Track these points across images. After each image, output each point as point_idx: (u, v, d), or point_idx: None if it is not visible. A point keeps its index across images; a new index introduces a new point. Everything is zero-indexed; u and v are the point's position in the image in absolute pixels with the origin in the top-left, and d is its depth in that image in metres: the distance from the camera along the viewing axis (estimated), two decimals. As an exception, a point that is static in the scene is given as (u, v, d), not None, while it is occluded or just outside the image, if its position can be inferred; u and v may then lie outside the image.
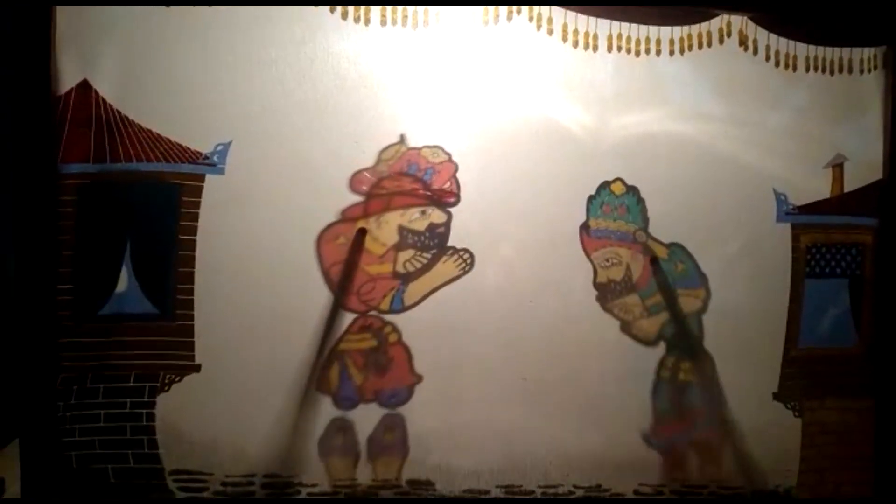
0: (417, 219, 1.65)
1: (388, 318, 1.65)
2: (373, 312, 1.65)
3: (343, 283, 1.62)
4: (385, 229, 1.64)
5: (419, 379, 1.66)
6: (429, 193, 1.65)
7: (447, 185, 1.65)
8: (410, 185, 1.64)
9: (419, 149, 1.64)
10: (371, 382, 1.65)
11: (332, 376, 1.64)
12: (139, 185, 1.57)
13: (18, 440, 1.54)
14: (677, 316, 1.74)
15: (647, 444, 1.73)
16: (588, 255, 1.71)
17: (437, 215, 1.65)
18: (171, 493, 1.59)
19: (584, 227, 1.71)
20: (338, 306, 1.62)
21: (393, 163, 1.63)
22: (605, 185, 1.71)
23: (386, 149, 1.63)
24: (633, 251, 1.73)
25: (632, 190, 1.71)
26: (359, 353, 1.65)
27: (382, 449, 1.65)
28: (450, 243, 1.66)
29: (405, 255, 1.65)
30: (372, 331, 1.65)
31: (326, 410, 1.64)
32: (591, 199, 1.70)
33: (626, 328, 1.73)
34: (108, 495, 1.56)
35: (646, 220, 1.73)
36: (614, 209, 1.71)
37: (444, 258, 1.66)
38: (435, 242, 1.65)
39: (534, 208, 1.68)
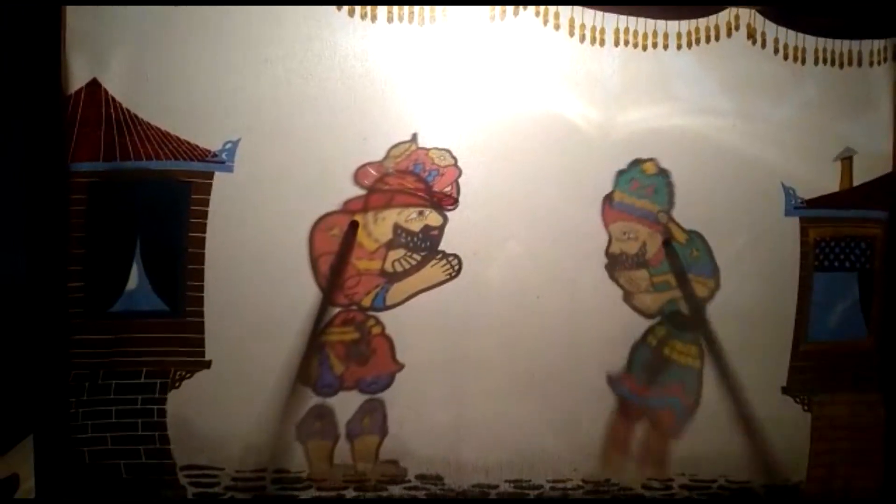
0: (414, 219, 1.65)
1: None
2: (353, 307, 1.65)
3: (330, 275, 1.62)
4: (381, 226, 1.64)
5: (400, 367, 1.67)
6: (429, 195, 1.65)
7: (448, 189, 1.65)
8: (413, 184, 1.64)
9: (428, 150, 1.64)
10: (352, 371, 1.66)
11: (313, 367, 1.64)
12: (149, 183, 1.58)
13: (32, 436, 1.56)
14: (682, 297, 1.74)
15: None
16: (606, 225, 1.71)
17: (433, 218, 1.65)
18: (183, 488, 1.60)
19: (608, 198, 1.70)
20: (325, 299, 1.62)
21: (401, 160, 1.63)
22: (637, 163, 1.70)
23: (396, 146, 1.63)
24: (652, 230, 1.73)
25: (663, 173, 1.71)
26: (341, 344, 1.65)
27: (361, 432, 1.66)
28: (441, 247, 1.66)
29: (395, 254, 1.65)
30: (354, 324, 1.65)
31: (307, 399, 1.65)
32: (620, 172, 1.70)
33: (627, 298, 1.73)
34: (121, 490, 1.58)
35: (671, 204, 1.73)
36: (643, 187, 1.71)
37: (433, 262, 1.66)
38: (427, 245, 1.66)
39: (540, 204, 1.68)
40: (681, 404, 1.76)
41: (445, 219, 1.66)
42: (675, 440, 1.75)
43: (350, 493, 1.66)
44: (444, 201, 1.66)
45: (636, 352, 1.73)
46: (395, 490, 1.67)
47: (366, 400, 1.66)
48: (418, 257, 1.66)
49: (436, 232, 1.66)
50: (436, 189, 1.65)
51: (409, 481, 1.67)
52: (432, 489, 1.67)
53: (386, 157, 1.63)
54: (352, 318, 1.66)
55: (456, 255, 1.66)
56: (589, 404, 1.72)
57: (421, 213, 1.65)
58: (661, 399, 1.75)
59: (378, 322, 1.66)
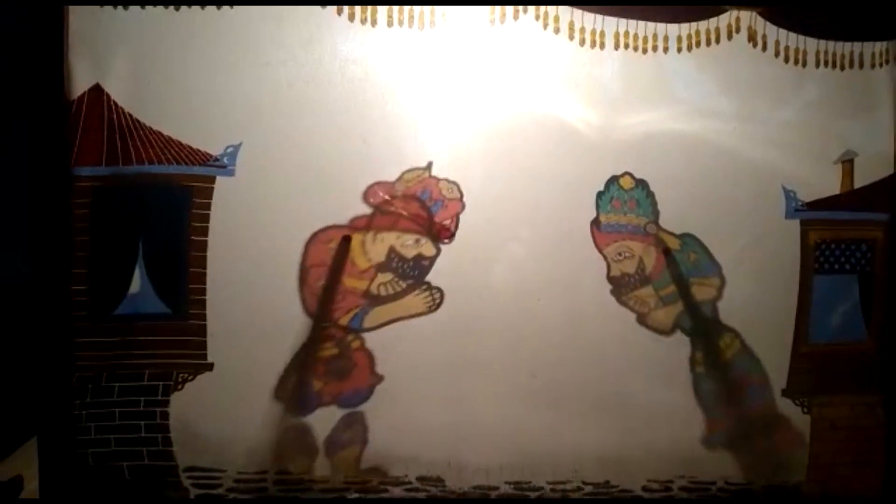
0: (410, 245, 1.65)
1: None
2: (328, 324, 1.66)
3: (321, 290, 1.63)
4: (378, 246, 1.65)
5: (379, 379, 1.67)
6: (429, 225, 1.65)
7: (448, 222, 1.66)
8: (417, 210, 1.65)
9: (439, 179, 1.65)
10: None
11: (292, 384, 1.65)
12: (151, 188, 1.59)
13: (36, 438, 1.57)
14: (692, 304, 1.75)
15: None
16: (600, 250, 1.71)
17: (428, 248, 1.66)
18: (186, 490, 1.61)
19: (595, 223, 1.71)
20: (308, 313, 1.64)
21: (412, 185, 1.64)
22: (613, 180, 1.70)
23: (411, 170, 1.64)
24: (645, 244, 1.73)
25: (640, 183, 1.71)
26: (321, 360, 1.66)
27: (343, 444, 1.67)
28: (429, 277, 1.67)
29: (383, 277, 1.66)
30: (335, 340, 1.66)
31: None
32: (600, 194, 1.70)
33: (641, 320, 1.74)
34: (124, 492, 1.59)
35: (656, 213, 1.73)
36: (624, 203, 1.71)
37: (417, 292, 1.66)
38: (415, 274, 1.66)
39: (541, 207, 1.69)
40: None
41: (438, 251, 1.67)
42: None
43: (352, 495, 1.67)
44: (442, 233, 1.66)
45: (699, 390, 1.75)
46: (397, 491, 1.68)
47: (346, 413, 1.67)
48: (404, 284, 1.67)
49: (426, 262, 1.67)
50: (436, 220, 1.66)
51: (410, 483, 1.68)
52: (433, 491, 1.68)
53: (398, 180, 1.64)
54: (332, 334, 1.66)
55: (439, 289, 1.67)
56: (591, 406, 1.72)
57: (417, 241, 1.66)
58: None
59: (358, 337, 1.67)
